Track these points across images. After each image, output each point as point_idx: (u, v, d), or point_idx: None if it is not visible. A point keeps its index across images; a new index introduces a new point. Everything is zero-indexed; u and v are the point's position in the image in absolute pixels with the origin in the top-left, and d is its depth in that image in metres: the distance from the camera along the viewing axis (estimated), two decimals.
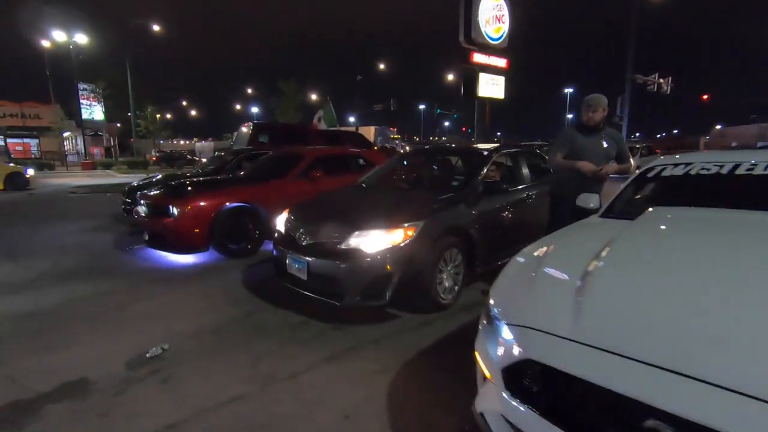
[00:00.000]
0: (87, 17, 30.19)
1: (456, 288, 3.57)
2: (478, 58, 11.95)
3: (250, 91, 59.90)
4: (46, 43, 27.37)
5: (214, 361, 2.75)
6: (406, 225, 3.18)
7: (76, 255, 5.46)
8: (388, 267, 3.07)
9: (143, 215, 5.31)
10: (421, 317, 3.33)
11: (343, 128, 22.24)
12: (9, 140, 36.31)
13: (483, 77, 12.28)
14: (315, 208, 3.93)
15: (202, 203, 4.90)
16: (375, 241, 3.10)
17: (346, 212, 3.54)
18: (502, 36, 12.35)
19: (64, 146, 35.91)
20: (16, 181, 13.96)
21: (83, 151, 34.65)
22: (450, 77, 40.79)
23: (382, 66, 41.25)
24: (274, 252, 3.74)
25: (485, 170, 4.05)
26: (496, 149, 4.44)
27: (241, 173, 6.40)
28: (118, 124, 37.06)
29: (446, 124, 73.15)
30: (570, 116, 58.46)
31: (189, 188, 5.43)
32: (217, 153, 12.21)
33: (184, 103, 64.40)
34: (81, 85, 31.17)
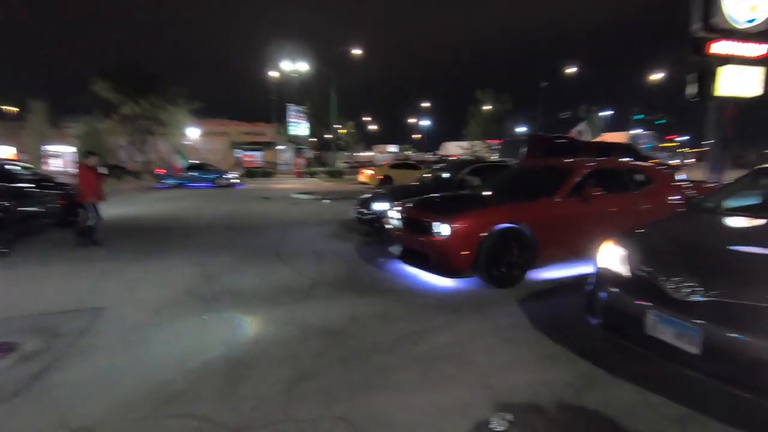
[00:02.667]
0: (299, 48, 35.99)
1: None
2: (720, 47, 9.51)
3: (427, 104, 62.18)
4: (274, 73, 33.31)
5: None
6: None
7: (332, 263, 5.62)
8: None
9: (397, 228, 5.10)
10: None
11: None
12: (245, 152, 45.55)
13: (727, 70, 9.65)
14: (695, 245, 2.85)
15: (472, 222, 4.35)
16: None
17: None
18: (757, 19, 9.28)
19: (280, 158, 43.20)
20: None
21: (290, 161, 40.99)
22: (655, 76, 35.00)
23: (569, 70, 37.66)
24: (602, 294, 2.83)
25: None
26: None
27: (496, 189, 5.71)
28: (314, 139, 42.66)
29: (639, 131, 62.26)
30: None
31: (456, 205, 5.00)
32: (436, 165, 12.14)
33: (368, 117, 71.09)
34: (291, 107, 36.99)
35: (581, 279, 4.73)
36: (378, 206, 6.97)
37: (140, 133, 30.58)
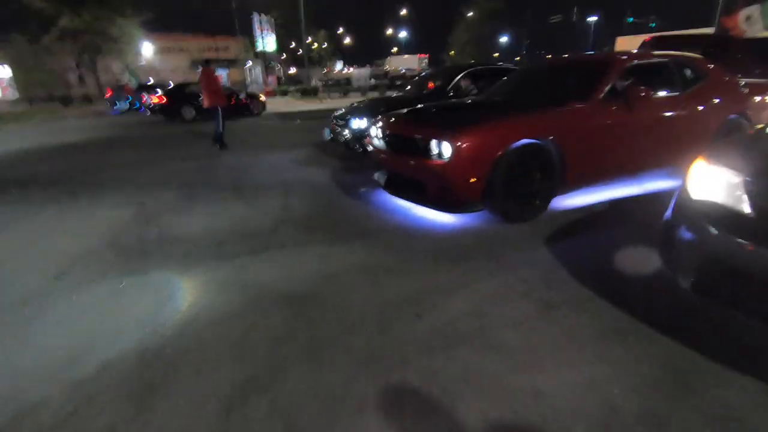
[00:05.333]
0: None
1: None
2: None
3: (404, 12, 56.97)
4: None
5: None
6: None
7: (301, 196, 4.52)
8: None
9: (381, 150, 3.95)
10: None
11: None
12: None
13: None
14: None
15: (483, 139, 3.22)
16: None
17: None
18: None
19: (248, 75, 39.53)
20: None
21: (260, 81, 37.70)
22: None
23: None
24: (695, 241, 1.86)
25: None
26: None
27: (506, 95, 4.45)
28: (283, 56, 38.83)
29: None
30: None
31: (459, 117, 3.82)
32: (424, 72, 10.51)
33: (340, 30, 64.79)
34: (257, 17, 32.77)
35: (619, 205, 3.87)
36: (356, 123, 5.71)
37: (88, 52, 27.11)
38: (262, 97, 16.28)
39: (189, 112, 13.56)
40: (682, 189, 2.07)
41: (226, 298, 2.47)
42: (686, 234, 1.93)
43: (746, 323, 1.99)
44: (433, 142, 3.26)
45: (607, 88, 3.62)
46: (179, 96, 13.93)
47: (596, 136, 3.56)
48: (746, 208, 1.76)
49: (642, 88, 3.53)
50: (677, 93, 4.00)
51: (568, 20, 34.35)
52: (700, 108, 4.06)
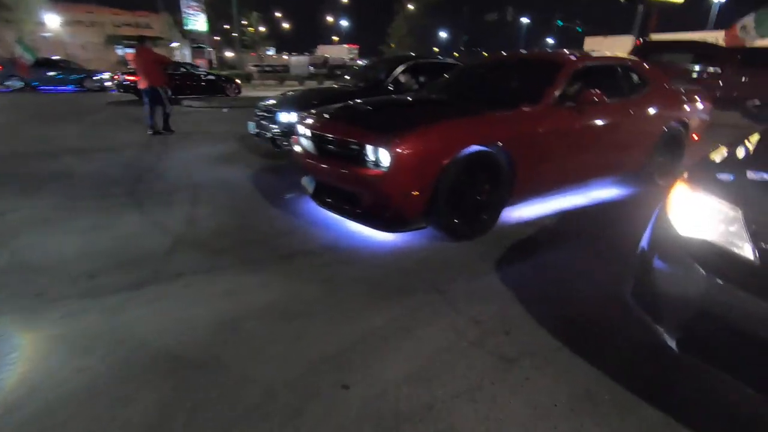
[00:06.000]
0: None
1: None
2: None
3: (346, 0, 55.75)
4: None
5: None
6: None
7: (213, 204, 3.80)
8: None
9: (308, 152, 3.35)
10: None
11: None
12: (126, 50, 37.42)
13: None
14: None
15: (429, 144, 2.73)
16: None
17: None
18: None
19: (174, 57, 36.30)
20: None
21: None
22: None
23: None
24: (682, 287, 1.52)
25: None
26: None
27: (450, 95, 3.98)
28: (217, 38, 36.27)
29: (550, 41, 61.98)
30: None
31: (399, 116, 3.30)
32: (367, 62, 9.81)
33: (278, 14, 61.70)
34: None
35: (570, 218, 3.56)
36: (285, 117, 5.02)
37: None
38: (238, 81, 16.20)
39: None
40: (661, 217, 1.72)
41: (81, 363, 1.77)
42: (671, 279, 1.58)
43: (746, 392, 1.70)
44: (369, 148, 2.73)
45: (559, 91, 3.31)
46: None
47: (547, 142, 3.24)
48: (748, 252, 1.43)
49: (595, 91, 3.26)
50: (625, 98, 3.82)
51: (503, 19, 35.37)
52: (646, 114, 3.92)
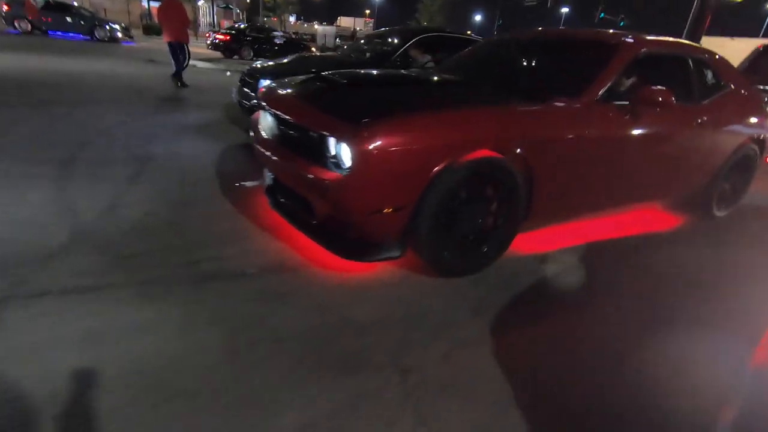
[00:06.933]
0: None
1: None
2: None
3: None
4: None
5: None
6: None
7: (153, 184, 3.04)
8: None
9: (262, 134, 2.53)
10: None
11: None
12: (151, 3, 36.42)
13: None
14: None
15: (416, 141, 1.88)
16: None
17: None
18: None
19: (199, 15, 35.37)
20: None
21: (214, 23, 34.04)
22: None
23: None
24: None
25: None
26: None
27: (465, 77, 3.08)
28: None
29: None
30: None
31: (381, 97, 2.37)
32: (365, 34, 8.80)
33: None
34: None
35: (601, 254, 2.60)
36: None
37: None
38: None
39: None
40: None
41: None
42: None
43: None
44: (330, 141, 1.91)
45: (608, 83, 2.42)
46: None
47: (584, 152, 2.37)
48: None
49: (658, 89, 2.36)
50: (694, 101, 2.89)
51: (542, 6, 33.41)
52: (718, 125, 2.99)
